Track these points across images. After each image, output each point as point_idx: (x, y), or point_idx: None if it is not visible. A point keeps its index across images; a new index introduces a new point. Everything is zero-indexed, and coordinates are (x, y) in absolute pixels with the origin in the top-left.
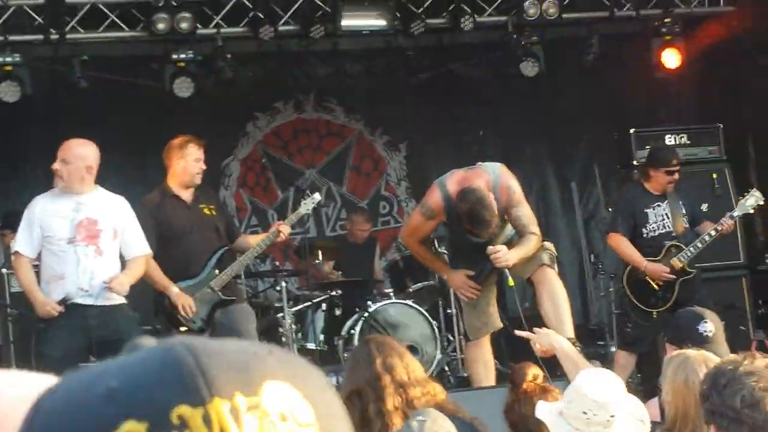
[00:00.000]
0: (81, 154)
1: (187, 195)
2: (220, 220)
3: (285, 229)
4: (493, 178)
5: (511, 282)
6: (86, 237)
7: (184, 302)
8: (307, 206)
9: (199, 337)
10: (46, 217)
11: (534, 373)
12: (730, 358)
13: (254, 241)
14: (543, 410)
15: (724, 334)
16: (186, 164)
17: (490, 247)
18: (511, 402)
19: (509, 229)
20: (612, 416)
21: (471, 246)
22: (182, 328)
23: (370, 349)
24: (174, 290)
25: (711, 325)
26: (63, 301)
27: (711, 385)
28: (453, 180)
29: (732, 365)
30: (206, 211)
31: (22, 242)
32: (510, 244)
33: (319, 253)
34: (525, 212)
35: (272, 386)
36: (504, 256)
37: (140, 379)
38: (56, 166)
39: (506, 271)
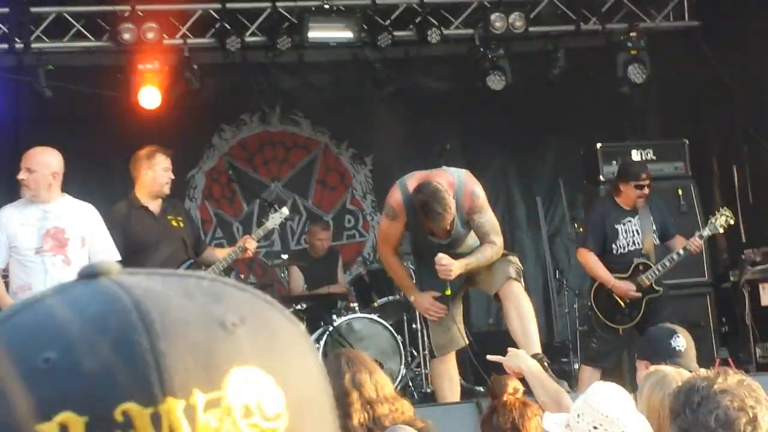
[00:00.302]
0: (45, 161)
1: (154, 206)
2: (187, 232)
3: (251, 244)
4: (457, 182)
5: (448, 291)
6: (54, 246)
7: None
8: (275, 221)
9: (167, 292)
10: (12, 226)
11: (515, 386)
12: (702, 374)
13: (221, 254)
14: (549, 421)
15: (694, 350)
16: (154, 174)
17: (438, 256)
18: (489, 414)
19: (473, 239)
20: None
21: (433, 253)
22: None
23: (340, 364)
24: None
25: (683, 340)
26: None
27: (684, 401)
28: (413, 179)
29: (705, 382)
30: (174, 222)
31: None
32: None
33: (285, 269)
34: (488, 219)
35: (238, 374)
36: (447, 268)
37: (84, 357)
38: (21, 175)
39: (447, 282)
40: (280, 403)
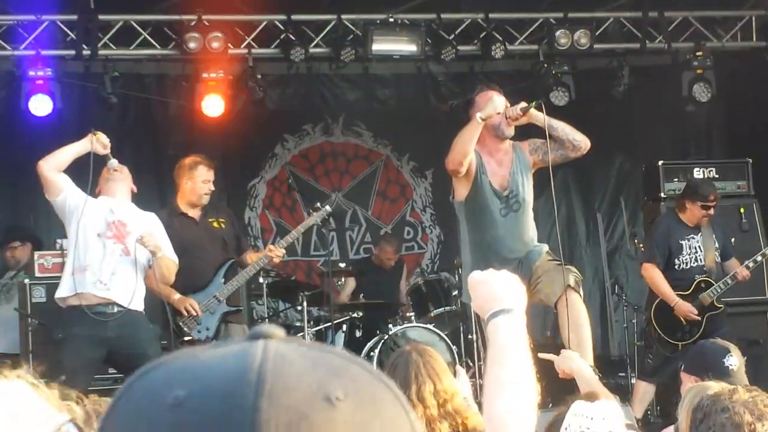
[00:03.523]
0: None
1: (195, 212)
2: (228, 233)
3: (278, 252)
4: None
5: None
6: (115, 235)
7: (186, 304)
8: (315, 219)
9: (297, 360)
10: (89, 206)
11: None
12: (715, 392)
13: (252, 259)
14: None
15: (744, 369)
16: (194, 185)
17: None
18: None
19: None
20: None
21: (494, 215)
22: (187, 338)
23: (408, 373)
24: (175, 296)
25: (736, 359)
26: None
27: (692, 418)
28: None
29: (712, 399)
30: (215, 224)
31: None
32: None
33: (343, 278)
34: None
35: None
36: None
37: (205, 400)
38: (116, 165)
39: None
40: None
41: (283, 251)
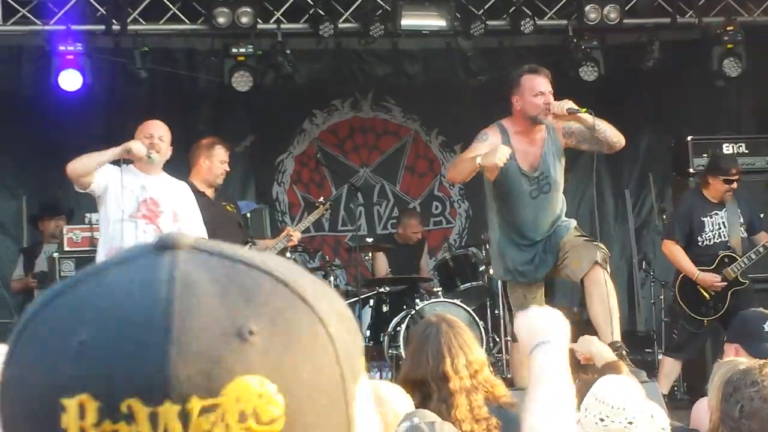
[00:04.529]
0: (168, 134)
1: (209, 192)
2: (241, 217)
3: (296, 234)
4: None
5: (583, 110)
6: (146, 215)
7: None
8: (317, 214)
9: (204, 287)
10: (117, 183)
11: None
12: (746, 366)
13: (265, 245)
14: None
15: None
16: (211, 164)
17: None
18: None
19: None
20: (630, 422)
21: (523, 195)
22: None
23: (440, 346)
24: None
25: None
26: None
27: (722, 392)
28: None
29: (742, 374)
30: (228, 207)
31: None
32: (560, 214)
33: (370, 253)
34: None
35: (241, 383)
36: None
37: (109, 348)
38: (155, 140)
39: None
40: (277, 409)
41: (299, 234)
